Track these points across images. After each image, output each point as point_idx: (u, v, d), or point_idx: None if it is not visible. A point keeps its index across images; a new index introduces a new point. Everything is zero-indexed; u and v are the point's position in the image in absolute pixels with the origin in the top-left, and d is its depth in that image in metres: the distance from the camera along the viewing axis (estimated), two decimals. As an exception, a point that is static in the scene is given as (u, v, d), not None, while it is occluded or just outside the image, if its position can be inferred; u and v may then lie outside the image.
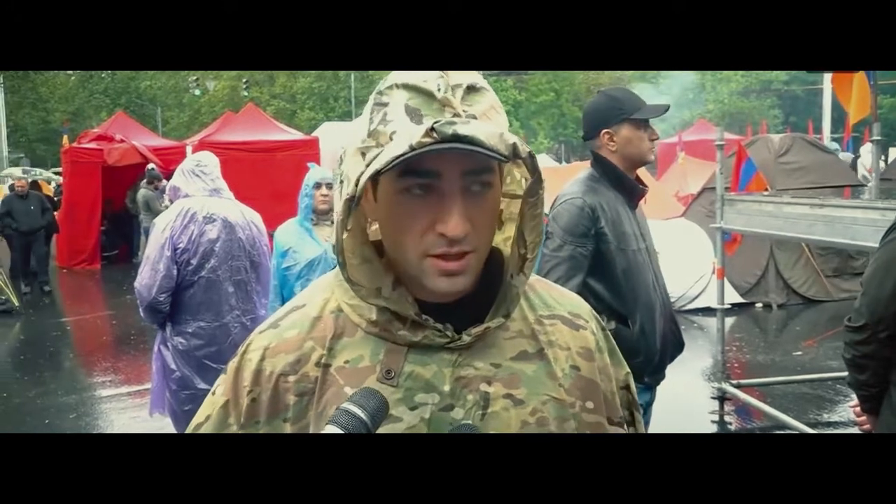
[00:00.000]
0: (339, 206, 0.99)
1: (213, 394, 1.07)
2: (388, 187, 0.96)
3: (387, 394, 0.95)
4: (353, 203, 0.94)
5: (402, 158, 0.88)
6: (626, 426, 1.14)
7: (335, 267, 1.06)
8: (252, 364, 1.03)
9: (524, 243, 1.02)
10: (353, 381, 0.99)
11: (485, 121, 0.94)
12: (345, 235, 0.98)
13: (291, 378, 1.01)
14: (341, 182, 1.00)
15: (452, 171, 0.93)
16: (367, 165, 0.93)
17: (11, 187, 12.39)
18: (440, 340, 1.00)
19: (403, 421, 0.97)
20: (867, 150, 14.70)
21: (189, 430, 1.07)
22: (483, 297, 1.03)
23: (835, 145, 15.14)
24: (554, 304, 1.12)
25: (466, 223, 0.93)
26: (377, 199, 0.99)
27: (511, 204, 1.08)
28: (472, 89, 0.96)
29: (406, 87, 0.95)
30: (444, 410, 0.99)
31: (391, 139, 0.93)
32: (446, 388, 0.99)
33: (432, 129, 0.87)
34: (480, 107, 0.96)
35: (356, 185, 0.93)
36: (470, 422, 0.98)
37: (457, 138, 0.87)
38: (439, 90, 0.94)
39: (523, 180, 1.05)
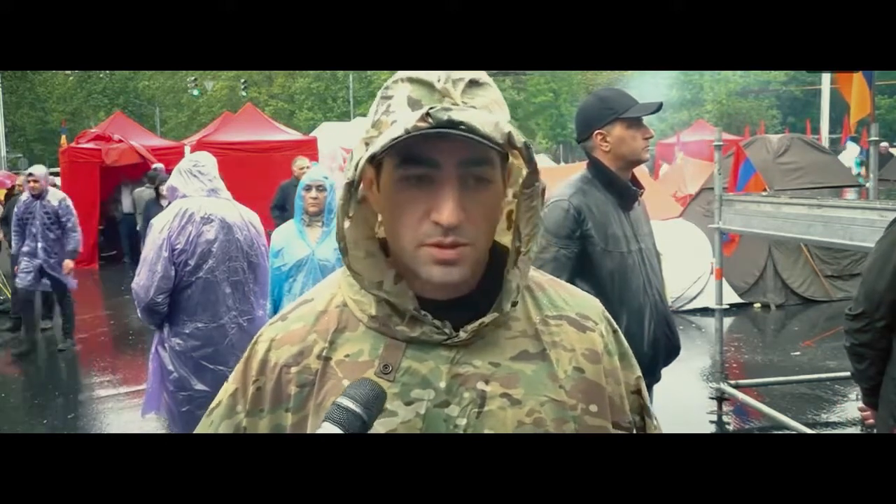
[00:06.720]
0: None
1: (228, 381, 1.12)
2: (388, 176, 0.97)
3: (383, 388, 0.96)
4: (352, 187, 0.97)
5: (396, 140, 0.90)
6: (636, 432, 1.12)
7: (335, 267, 1.06)
8: (259, 354, 1.07)
9: (519, 236, 1.02)
10: (352, 375, 1.00)
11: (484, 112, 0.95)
12: (347, 224, 1.00)
13: (293, 369, 1.04)
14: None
15: (449, 159, 0.94)
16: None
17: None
18: (438, 337, 1.00)
19: (399, 415, 0.98)
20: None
21: (205, 415, 1.10)
22: (484, 296, 1.03)
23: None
24: (562, 305, 1.11)
25: (460, 212, 0.94)
26: (380, 188, 1.01)
27: None
28: (474, 83, 0.98)
29: (410, 80, 0.98)
30: (439, 407, 0.99)
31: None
32: (442, 384, 1.00)
33: (428, 114, 0.89)
34: (482, 100, 0.97)
35: (355, 169, 0.95)
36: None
37: (451, 124, 0.89)
38: (439, 81, 0.96)
39: None
